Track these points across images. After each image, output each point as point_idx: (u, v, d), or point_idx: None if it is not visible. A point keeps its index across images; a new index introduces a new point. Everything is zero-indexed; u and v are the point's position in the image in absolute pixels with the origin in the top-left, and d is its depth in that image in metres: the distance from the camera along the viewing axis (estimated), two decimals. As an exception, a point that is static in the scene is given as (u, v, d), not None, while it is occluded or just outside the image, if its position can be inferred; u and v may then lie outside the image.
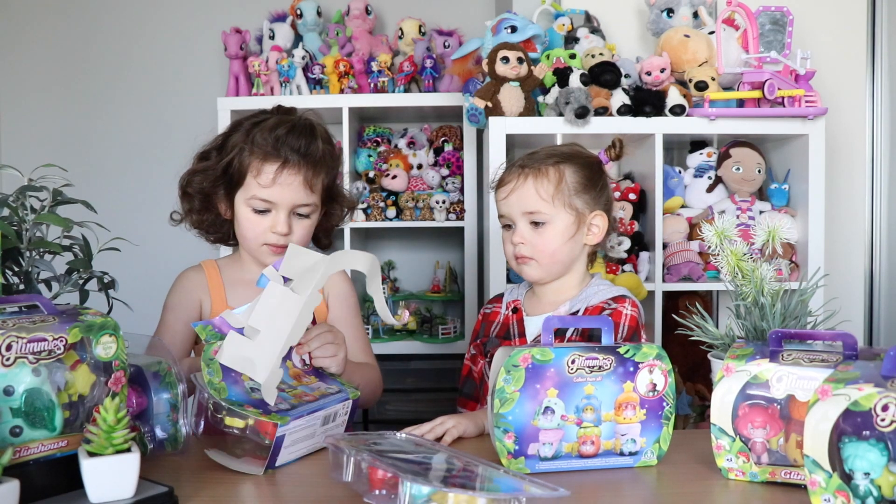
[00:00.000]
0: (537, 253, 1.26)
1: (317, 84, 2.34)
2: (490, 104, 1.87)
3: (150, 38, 2.65)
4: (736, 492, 0.91)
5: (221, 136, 1.31)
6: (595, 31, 2.11)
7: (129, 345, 0.90)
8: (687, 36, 2.00)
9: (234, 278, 1.34)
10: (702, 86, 1.92)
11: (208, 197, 1.29)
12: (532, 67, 1.89)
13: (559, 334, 1.23)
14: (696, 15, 2.12)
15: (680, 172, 2.09)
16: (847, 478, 0.76)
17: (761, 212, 2.00)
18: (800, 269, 1.95)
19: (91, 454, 0.80)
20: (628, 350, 0.97)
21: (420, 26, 2.42)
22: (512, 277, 1.86)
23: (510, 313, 1.35)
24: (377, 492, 0.79)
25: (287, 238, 1.25)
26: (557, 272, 1.30)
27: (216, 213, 1.31)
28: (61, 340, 0.82)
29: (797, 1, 2.02)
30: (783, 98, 1.89)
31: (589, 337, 1.21)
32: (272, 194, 1.22)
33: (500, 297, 1.42)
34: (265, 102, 2.30)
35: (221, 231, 1.34)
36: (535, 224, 1.26)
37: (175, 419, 0.96)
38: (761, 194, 2.05)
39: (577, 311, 1.26)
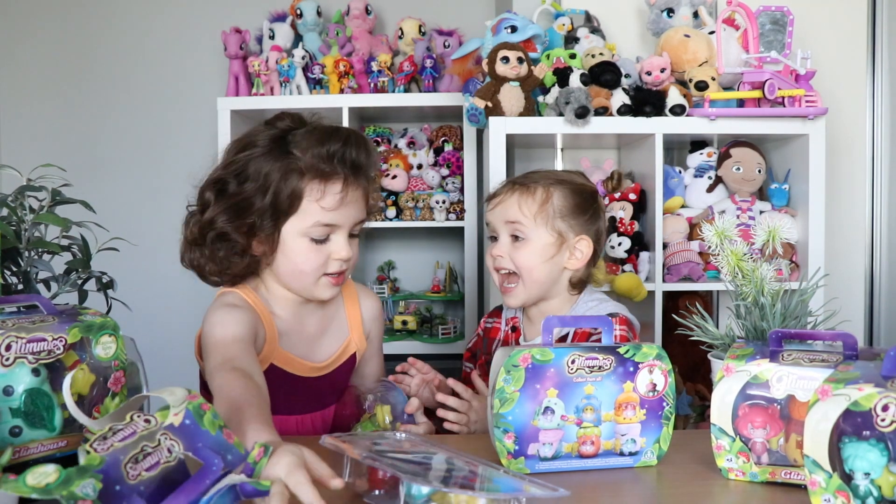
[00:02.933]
0: (517, 268, 1.26)
1: (317, 84, 2.34)
2: (490, 104, 1.87)
3: (150, 38, 2.65)
4: (736, 492, 0.91)
5: (232, 161, 1.10)
6: (595, 30, 2.11)
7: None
8: (687, 36, 2.00)
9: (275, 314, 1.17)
10: (702, 86, 1.92)
11: (230, 238, 1.10)
12: (532, 67, 1.88)
13: (558, 340, 1.23)
14: (696, 15, 2.11)
15: (680, 172, 2.09)
16: (847, 478, 0.76)
17: (761, 212, 2.00)
18: (800, 269, 1.95)
19: (90, 454, 0.80)
20: (628, 350, 0.97)
21: (420, 26, 2.42)
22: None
23: (510, 331, 1.35)
24: (377, 492, 0.79)
25: (348, 262, 1.13)
26: (538, 293, 1.29)
27: (238, 252, 1.11)
28: (61, 340, 0.82)
29: (797, 1, 2.01)
30: (783, 98, 1.88)
31: (587, 340, 1.21)
32: (337, 217, 1.09)
33: (498, 312, 1.42)
34: (265, 102, 2.31)
35: (247, 271, 1.15)
36: (516, 238, 1.27)
37: None
38: (761, 194, 2.05)
39: (567, 335, 1.26)
